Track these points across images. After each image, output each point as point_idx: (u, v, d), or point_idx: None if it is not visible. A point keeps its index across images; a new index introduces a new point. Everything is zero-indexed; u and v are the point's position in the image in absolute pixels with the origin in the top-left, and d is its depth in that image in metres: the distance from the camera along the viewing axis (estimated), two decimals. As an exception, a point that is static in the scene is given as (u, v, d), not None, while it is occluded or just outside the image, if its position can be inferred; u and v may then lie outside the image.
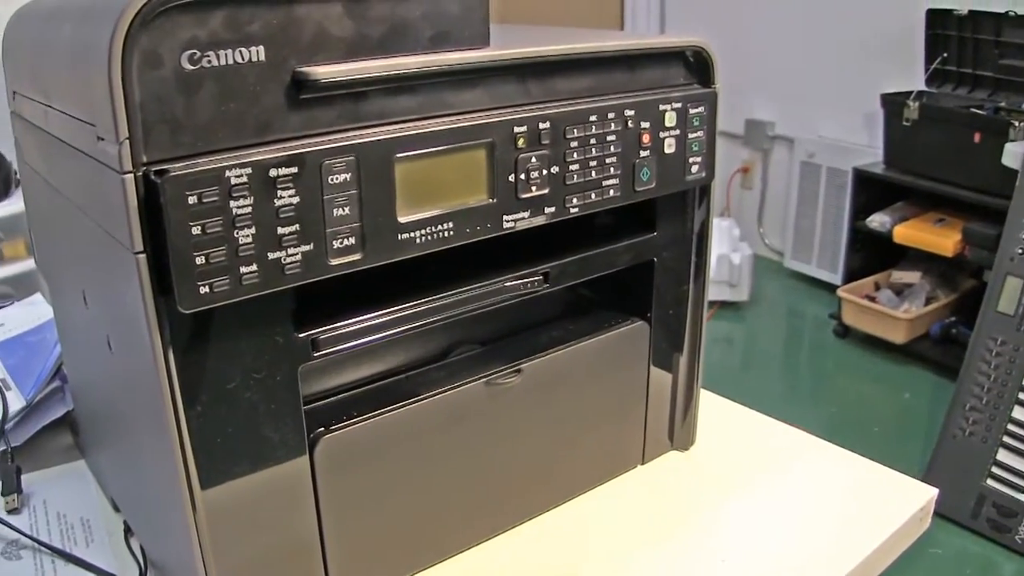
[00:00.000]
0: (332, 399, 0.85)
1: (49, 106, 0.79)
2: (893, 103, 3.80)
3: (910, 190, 3.87)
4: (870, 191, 4.00)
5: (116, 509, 1.04)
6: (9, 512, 1.06)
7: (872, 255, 4.06)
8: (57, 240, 0.93)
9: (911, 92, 3.78)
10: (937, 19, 3.73)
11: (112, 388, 0.87)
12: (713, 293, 4.34)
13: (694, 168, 0.91)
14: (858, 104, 4.35)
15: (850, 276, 4.13)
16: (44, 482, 1.12)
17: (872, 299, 3.93)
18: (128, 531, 0.99)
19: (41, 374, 1.21)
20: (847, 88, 4.42)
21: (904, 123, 3.74)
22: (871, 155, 4.14)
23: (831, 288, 4.33)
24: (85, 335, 0.92)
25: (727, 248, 4.36)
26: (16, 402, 1.20)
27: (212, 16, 0.62)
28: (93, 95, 0.64)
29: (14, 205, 3.30)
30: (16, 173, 3.51)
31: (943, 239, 3.63)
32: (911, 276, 3.98)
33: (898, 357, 3.83)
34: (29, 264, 3.39)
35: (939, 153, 3.66)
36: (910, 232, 3.77)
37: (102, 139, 0.63)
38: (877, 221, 3.91)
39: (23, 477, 1.10)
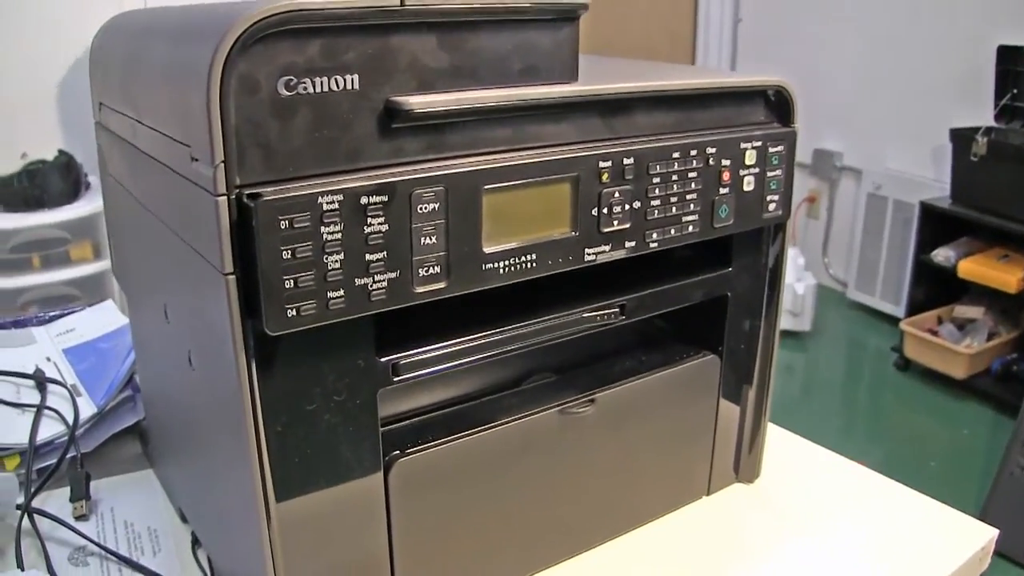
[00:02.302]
0: (408, 422, 0.85)
1: (139, 121, 0.81)
2: (962, 138, 3.78)
3: (976, 225, 3.84)
4: (936, 225, 3.98)
5: (184, 520, 1.05)
6: (77, 518, 1.07)
7: (936, 289, 4.04)
8: (138, 252, 0.94)
9: (980, 127, 3.75)
10: (1008, 55, 3.71)
11: (189, 402, 0.88)
12: (774, 321, 4.31)
13: (771, 206, 0.91)
14: (926, 138, 4.32)
15: (913, 309, 4.10)
16: (112, 489, 1.13)
17: (934, 333, 3.90)
18: (196, 543, 1.01)
19: (113, 382, 1.23)
20: (916, 121, 4.40)
21: (972, 158, 3.72)
22: (938, 189, 4.11)
23: (893, 320, 4.31)
24: (163, 348, 0.94)
25: (791, 277, 4.34)
26: (87, 408, 1.21)
27: (310, 43, 0.63)
28: (189, 116, 0.65)
29: (82, 208, 3.36)
30: (86, 176, 3.56)
31: (1007, 275, 3.61)
32: (974, 311, 3.95)
33: (958, 392, 3.80)
34: (96, 266, 3.45)
35: (1006, 189, 3.64)
36: (974, 267, 3.74)
37: (196, 160, 0.65)
38: (942, 255, 3.89)
39: (91, 484, 1.11)
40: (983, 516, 2.73)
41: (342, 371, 0.73)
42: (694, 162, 0.83)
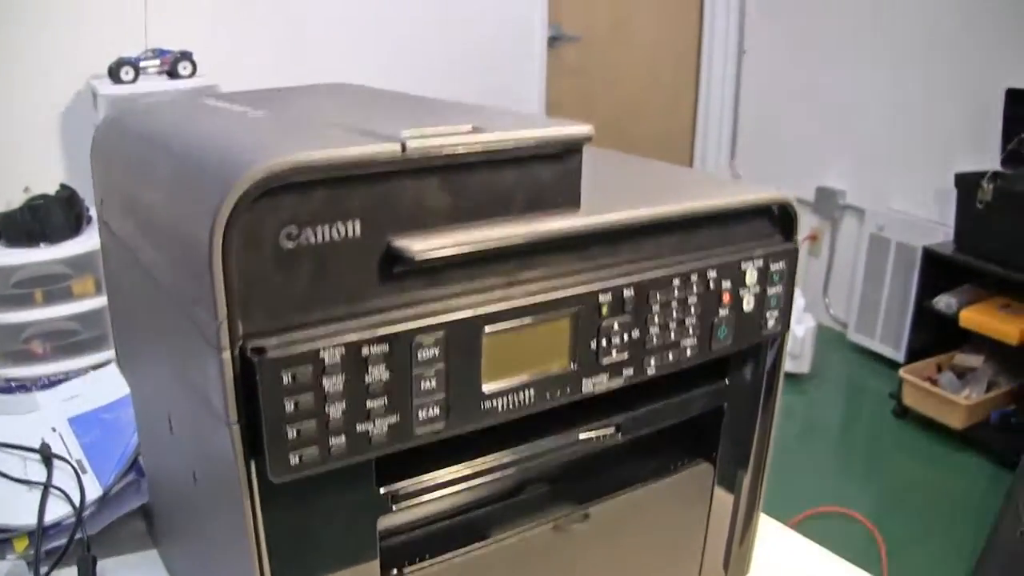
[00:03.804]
0: (403, 536, 0.86)
1: (142, 238, 0.82)
2: (967, 183, 3.79)
3: (978, 273, 3.84)
4: (938, 271, 3.99)
5: (187, 609, 1.05)
6: (84, 604, 1.07)
7: (936, 335, 4.05)
8: (142, 354, 0.95)
9: (986, 172, 3.75)
10: (1016, 99, 3.71)
11: (193, 507, 0.89)
12: (773, 363, 4.32)
13: (770, 323, 0.92)
14: (931, 180, 4.33)
15: (913, 355, 4.11)
16: (117, 571, 1.14)
17: (933, 381, 3.90)
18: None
19: (119, 461, 1.23)
20: (921, 162, 4.42)
21: (977, 205, 3.72)
22: (942, 233, 4.13)
23: (893, 365, 4.32)
24: (167, 454, 0.95)
25: (791, 319, 4.33)
26: (92, 488, 1.22)
27: (312, 195, 0.64)
28: (190, 266, 0.66)
29: (84, 243, 3.38)
30: (88, 211, 3.58)
31: (1008, 326, 3.62)
32: (974, 360, 3.96)
33: (956, 442, 3.80)
34: (97, 301, 3.46)
35: (1011, 238, 3.64)
36: (976, 317, 3.75)
37: (198, 306, 0.65)
38: (943, 303, 3.90)
39: (97, 564, 1.13)
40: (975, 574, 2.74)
41: (342, 503, 0.74)
42: (695, 287, 0.84)
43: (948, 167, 4.04)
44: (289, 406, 0.64)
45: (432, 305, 0.71)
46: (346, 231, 0.66)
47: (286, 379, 0.63)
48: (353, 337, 0.66)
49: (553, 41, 5.28)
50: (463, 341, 0.71)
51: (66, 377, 1.57)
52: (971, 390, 3.84)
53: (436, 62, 4.79)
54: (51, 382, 1.56)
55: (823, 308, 5.16)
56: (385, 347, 0.67)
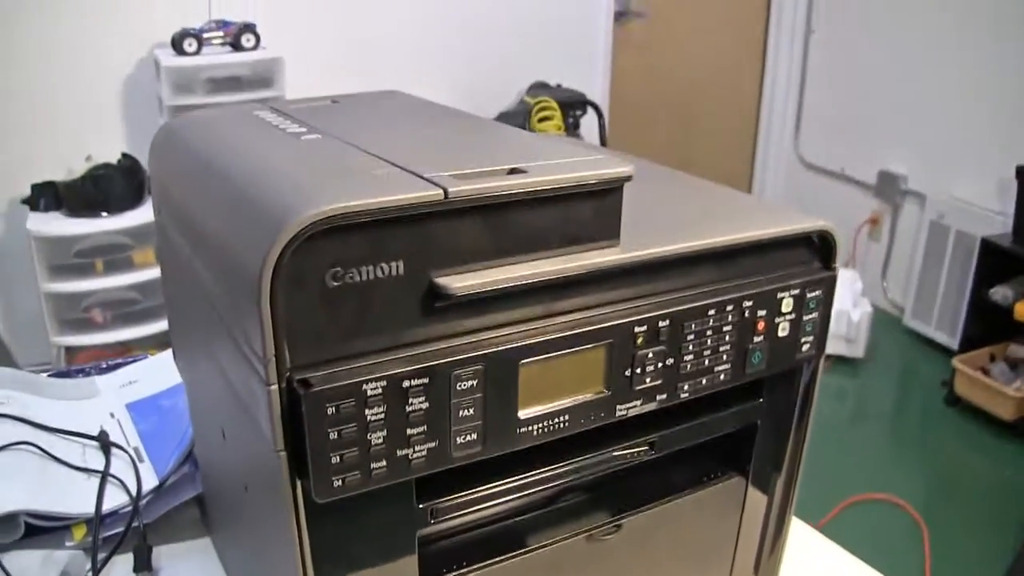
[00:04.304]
0: (443, 542, 0.89)
1: (195, 255, 0.85)
2: (1027, 176, 3.76)
3: (1036, 264, 3.82)
4: (996, 262, 3.97)
5: (239, 598, 1.10)
6: (140, 589, 1.12)
7: (991, 325, 4.03)
8: (196, 360, 0.99)
9: (1047, 164, 3.73)
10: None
11: (243, 512, 0.93)
12: (829, 347, 4.29)
13: (805, 347, 0.94)
14: (994, 168, 4.30)
15: (967, 343, 4.10)
16: (172, 558, 1.19)
17: (986, 371, 3.89)
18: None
19: (175, 452, 1.28)
20: (984, 151, 4.38)
21: (1037, 196, 3.70)
22: (1000, 224, 4.10)
23: (947, 351, 4.31)
24: (220, 458, 0.99)
25: (848, 302, 4.34)
26: (148, 477, 1.27)
27: (357, 238, 0.67)
28: (239, 303, 0.70)
29: (144, 214, 3.41)
30: (150, 180, 3.62)
31: (1063, 320, 3.60)
32: (1028, 352, 3.94)
33: (1006, 433, 3.80)
34: (158, 272, 3.50)
35: (1070, 232, 3.62)
36: (1031, 310, 3.73)
37: (248, 336, 0.69)
38: (1000, 294, 3.88)
39: (152, 551, 1.17)
40: (1013, 569, 2.75)
41: (384, 519, 0.77)
42: (730, 316, 0.86)
43: (1012, 158, 4.01)
44: (333, 435, 0.68)
45: (471, 337, 0.74)
46: (389, 270, 0.69)
47: (330, 410, 0.67)
48: (394, 370, 0.69)
49: (619, 16, 5.29)
50: (500, 372, 0.75)
51: (124, 363, 1.61)
52: (1023, 382, 3.82)
53: (502, 38, 4.80)
54: (110, 366, 1.60)
55: (881, 292, 5.15)
56: (425, 380, 0.71)
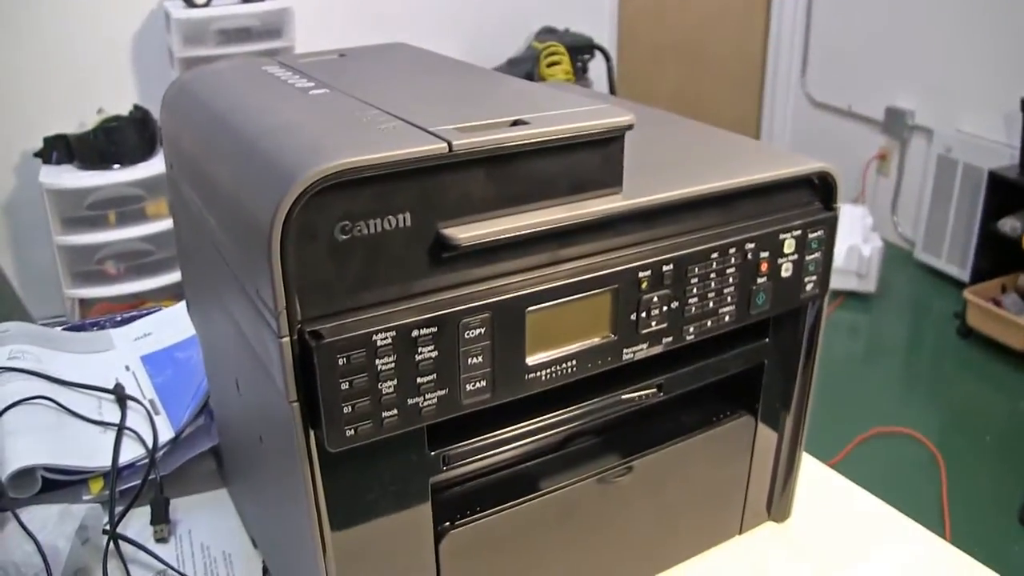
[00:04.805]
0: (457, 488, 0.91)
1: (208, 211, 0.87)
2: (1033, 108, 3.75)
3: (1044, 195, 3.82)
4: (1004, 193, 3.97)
5: (256, 546, 1.12)
6: (157, 541, 1.15)
7: (1001, 257, 4.03)
8: (209, 312, 1.01)
9: (1053, 96, 3.72)
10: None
11: (259, 463, 0.95)
12: (840, 282, 4.35)
13: (809, 286, 0.95)
14: (1000, 102, 4.29)
15: (978, 275, 4.10)
16: (189, 510, 1.21)
17: (998, 302, 3.90)
18: (266, 572, 1.08)
19: (190, 404, 1.29)
20: (990, 85, 4.37)
21: (1043, 128, 3.69)
22: (1008, 156, 4.10)
23: (959, 284, 4.32)
24: (235, 409, 1.00)
25: (859, 238, 4.34)
26: (164, 429, 1.28)
27: (364, 192, 0.68)
28: (251, 256, 0.71)
29: (157, 165, 3.41)
30: (161, 129, 3.62)
31: (1073, 249, 3.60)
32: (1039, 282, 3.94)
33: (1019, 363, 3.81)
34: (171, 223, 3.51)
35: (1076, 161, 3.61)
36: (1040, 240, 3.73)
37: (260, 289, 0.70)
38: (1008, 225, 3.89)
39: (170, 503, 1.19)
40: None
41: (397, 466, 0.79)
42: (733, 259, 0.87)
43: (1017, 90, 4.00)
44: (344, 385, 0.69)
45: (479, 286, 0.75)
46: (397, 222, 0.70)
47: (341, 361, 0.69)
48: (403, 320, 0.71)
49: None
50: (508, 319, 0.76)
51: (139, 315, 1.62)
52: (1035, 312, 3.84)
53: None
54: (125, 319, 1.61)
55: (891, 227, 5.14)
56: (434, 328, 0.72)
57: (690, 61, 5.70)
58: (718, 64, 5.79)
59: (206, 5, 3.72)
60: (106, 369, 1.43)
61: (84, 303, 3.69)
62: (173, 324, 1.54)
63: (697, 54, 5.68)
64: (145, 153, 3.64)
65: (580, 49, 4.64)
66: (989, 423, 3.54)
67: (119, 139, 3.59)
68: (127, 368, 1.44)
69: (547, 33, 4.75)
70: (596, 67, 4.77)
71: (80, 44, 3.84)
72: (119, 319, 1.62)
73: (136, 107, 3.74)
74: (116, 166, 3.56)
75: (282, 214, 0.65)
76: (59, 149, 3.60)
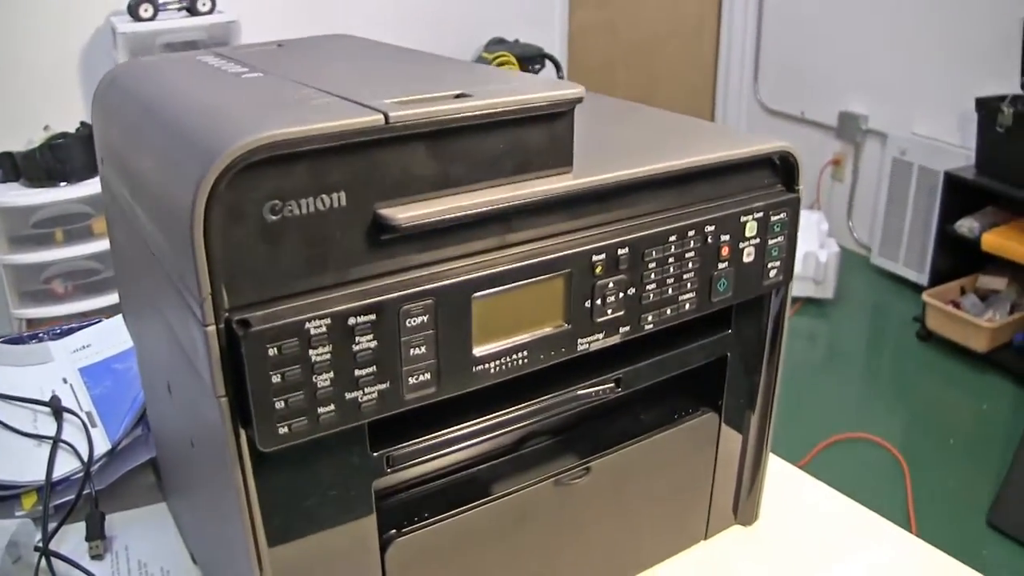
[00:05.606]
0: (402, 495, 0.86)
1: (135, 203, 0.81)
2: (987, 108, 3.76)
3: (1001, 195, 3.81)
4: (960, 194, 3.97)
5: (195, 562, 1.06)
6: (93, 558, 1.09)
7: (959, 258, 4.03)
8: (142, 315, 0.95)
9: (1006, 96, 3.71)
10: (1037, 24, 3.67)
11: (192, 470, 0.90)
12: (798, 289, 4.33)
13: (772, 272, 0.91)
14: (953, 103, 4.30)
15: (936, 278, 4.10)
16: (126, 525, 1.15)
17: (957, 304, 3.89)
18: (205, 589, 1.02)
19: (127, 416, 1.24)
20: (943, 87, 4.38)
21: (998, 128, 3.69)
22: (963, 157, 4.10)
23: (917, 288, 4.31)
24: (168, 414, 0.95)
25: (815, 244, 4.33)
26: (101, 442, 1.23)
27: (295, 168, 0.63)
28: (175, 241, 0.65)
29: (105, 182, 3.32)
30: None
31: (1031, 249, 3.59)
32: (997, 282, 3.94)
33: (979, 365, 3.80)
34: (119, 240, 3.46)
35: (1032, 160, 3.61)
36: (998, 240, 3.73)
37: (185, 278, 0.65)
38: (966, 226, 3.88)
39: (106, 518, 1.13)
40: (999, 497, 2.75)
41: (337, 468, 0.74)
42: (692, 242, 0.83)
43: (969, 91, 4.00)
44: (276, 378, 0.64)
45: (421, 271, 0.70)
46: (331, 202, 0.65)
47: (272, 351, 0.63)
48: (338, 307, 0.65)
49: (576, -29, 5.25)
50: (452, 307, 0.71)
51: (79, 327, 1.57)
52: (994, 312, 3.82)
53: (459, -4, 4.77)
54: (63, 331, 1.56)
55: (847, 232, 5.14)
56: (372, 316, 0.67)
57: (642, 70, 5.68)
58: (670, 73, 5.78)
59: (152, 19, 3.67)
60: (43, 381, 1.38)
61: (32, 323, 3.63)
62: (113, 336, 1.49)
63: (649, 63, 5.67)
64: (92, 170, 3.57)
65: (530, 59, 4.63)
66: (952, 426, 3.52)
67: (65, 156, 3.54)
68: (65, 380, 1.39)
69: (497, 43, 4.74)
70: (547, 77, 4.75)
71: (26, 61, 3.79)
72: (58, 331, 1.56)
73: (83, 124, 3.69)
74: (63, 183, 3.51)
75: (204, 192, 0.60)
76: (5, 167, 3.55)
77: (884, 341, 4.44)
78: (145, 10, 3.66)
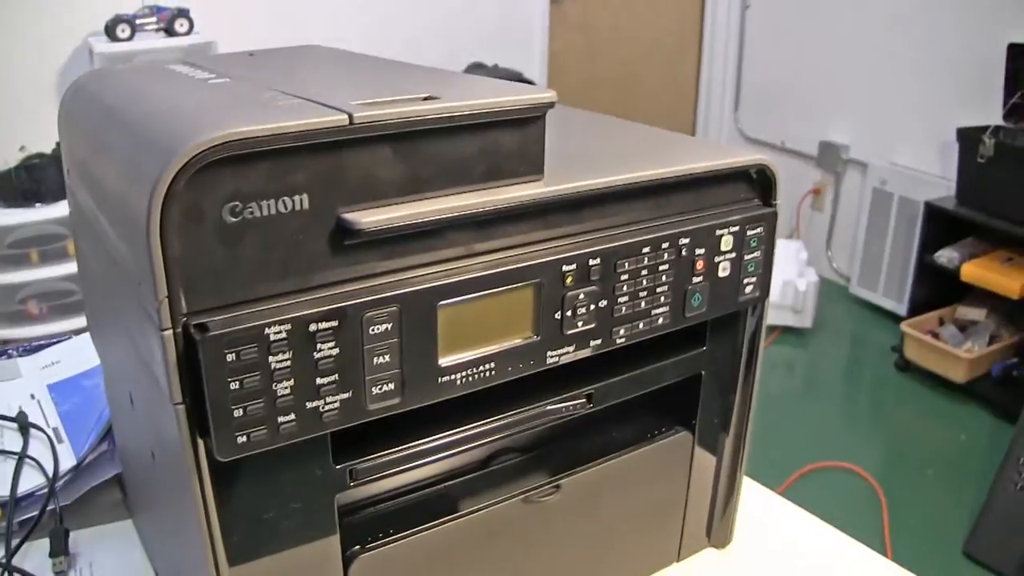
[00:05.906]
0: (368, 510, 0.84)
1: (98, 211, 0.79)
2: (968, 138, 3.75)
3: (981, 227, 3.81)
4: (940, 225, 3.96)
5: (159, 580, 1.04)
6: (56, 574, 1.07)
7: (939, 288, 4.02)
8: (106, 328, 0.93)
9: (987, 127, 3.71)
10: (1018, 53, 3.67)
11: (153, 484, 0.88)
12: (776, 318, 4.33)
13: (748, 288, 0.89)
14: (934, 133, 4.30)
15: (915, 308, 4.09)
16: (91, 542, 1.13)
17: (936, 335, 3.88)
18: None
19: (93, 432, 1.22)
20: (924, 116, 4.38)
21: (979, 159, 3.69)
22: (943, 187, 4.09)
23: (896, 318, 4.30)
24: (131, 428, 0.93)
25: (793, 273, 4.32)
26: (67, 457, 1.21)
27: (255, 168, 0.61)
28: (133, 244, 0.64)
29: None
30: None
31: (1010, 280, 3.60)
32: (976, 313, 3.93)
33: (958, 396, 3.79)
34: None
35: (1012, 192, 3.61)
36: (977, 271, 3.72)
37: (142, 283, 0.63)
38: (945, 257, 3.87)
39: (71, 534, 1.11)
40: (975, 530, 2.73)
41: (298, 480, 0.72)
42: (666, 255, 0.81)
43: (950, 122, 4.00)
44: (234, 385, 0.62)
45: (385, 278, 0.68)
46: (293, 204, 0.63)
47: (230, 358, 0.61)
48: (299, 313, 0.64)
49: (556, -3, 5.26)
50: (417, 315, 0.69)
51: (48, 343, 1.55)
52: (973, 343, 3.82)
53: (437, 14, 4.76)
54: (33, 347, 1.54)
55: (826, 262, 5.14)
56: (334, 322, 0.65)
57: (622, 96, 5.69)
58: (650, 100, 5.79)
59: (129, 39, 3.67)
60: (11, 398, 1.36)
61: (6, 344, 3.60)
62: (82, 352, 1.47)
63: (629, 89, 5.68)
64: (68, 190, 3.56)
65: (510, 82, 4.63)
66: (930, 456, 3.51)
67: (41, 177, 3.53)
68: (33, 396, 1.37)
69: (477, 68, 4.74)
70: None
71: (3, 81, 3.78)
72: (28, 348, 1.54)
73: (59, 145, 3.66)
74: (38, 204, 3.49)
75: (161, 191, 0.58)
76: (-20, 188, 3.54)
77: (863, 371, 4.43)
78: (122, 31, 3.66)
